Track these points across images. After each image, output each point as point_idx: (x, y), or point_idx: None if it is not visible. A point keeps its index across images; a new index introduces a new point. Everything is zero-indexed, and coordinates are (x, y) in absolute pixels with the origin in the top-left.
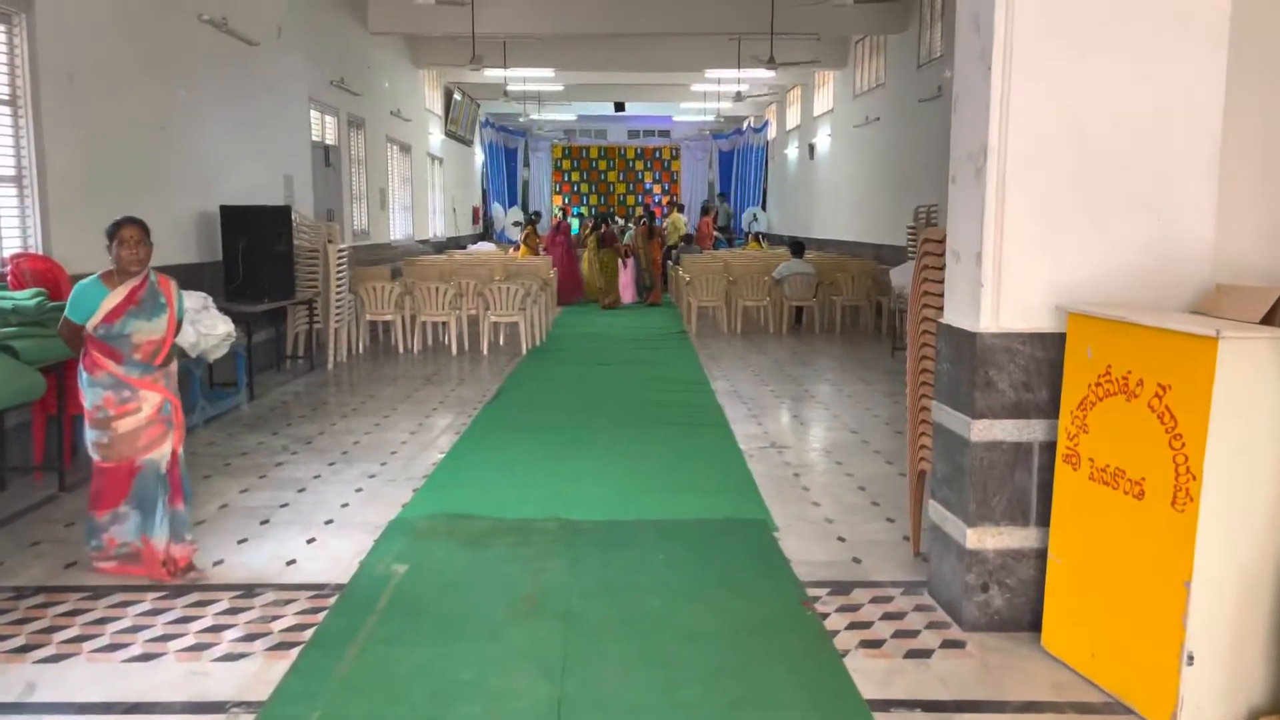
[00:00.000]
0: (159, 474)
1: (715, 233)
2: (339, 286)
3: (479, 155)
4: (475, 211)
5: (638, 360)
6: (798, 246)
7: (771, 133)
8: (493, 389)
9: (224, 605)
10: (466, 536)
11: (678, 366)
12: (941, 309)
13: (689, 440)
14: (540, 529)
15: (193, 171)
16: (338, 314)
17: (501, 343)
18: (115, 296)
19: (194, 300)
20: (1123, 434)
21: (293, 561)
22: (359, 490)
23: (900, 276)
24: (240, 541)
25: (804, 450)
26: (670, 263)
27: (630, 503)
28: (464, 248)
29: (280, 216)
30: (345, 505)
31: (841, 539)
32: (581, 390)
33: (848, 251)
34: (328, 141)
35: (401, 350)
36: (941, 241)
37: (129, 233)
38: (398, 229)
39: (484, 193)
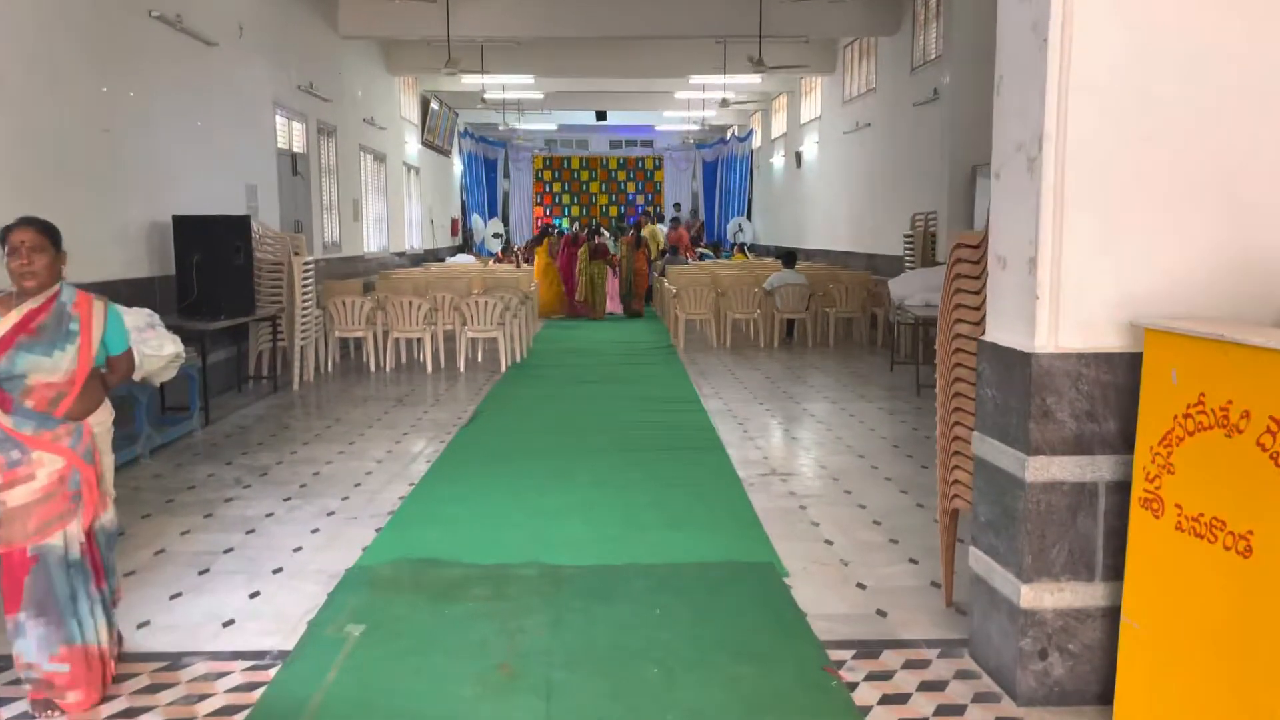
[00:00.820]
0: (66, 563)
1: (702, 247)
2: (305, 302)
3: (458, 166)
4: (454, 223)
5: (624, 377)
6: (789, 256)
7: (756, 141)
8: (469, 410)
9: (144, 682)
10: (433, 588)
11: (666, 384)
12: (978, 324)
13: (683, 468)
14: (517, 577)
15: (142, 178)
16: (304, 331)
17: (479, 359)
18: (2, 324)
19: (137, 318)
20: (1222, 477)
21: (230, 622)
22: (315, 531)
23: (901, 287)
24: (173, 597)
25: (808, 477)
26: (655, 274)
27: (620, 544)
28: (442, 260)
29: (239, 227)
30: (298, 549)
31: (862, 585)
32: (564, 411)
33: (839, 261)
34: (295, 149)
35: (373, 368)
36: (978, 246)
37: (20, 237)
38: (372, 241)
39: (463, 204)
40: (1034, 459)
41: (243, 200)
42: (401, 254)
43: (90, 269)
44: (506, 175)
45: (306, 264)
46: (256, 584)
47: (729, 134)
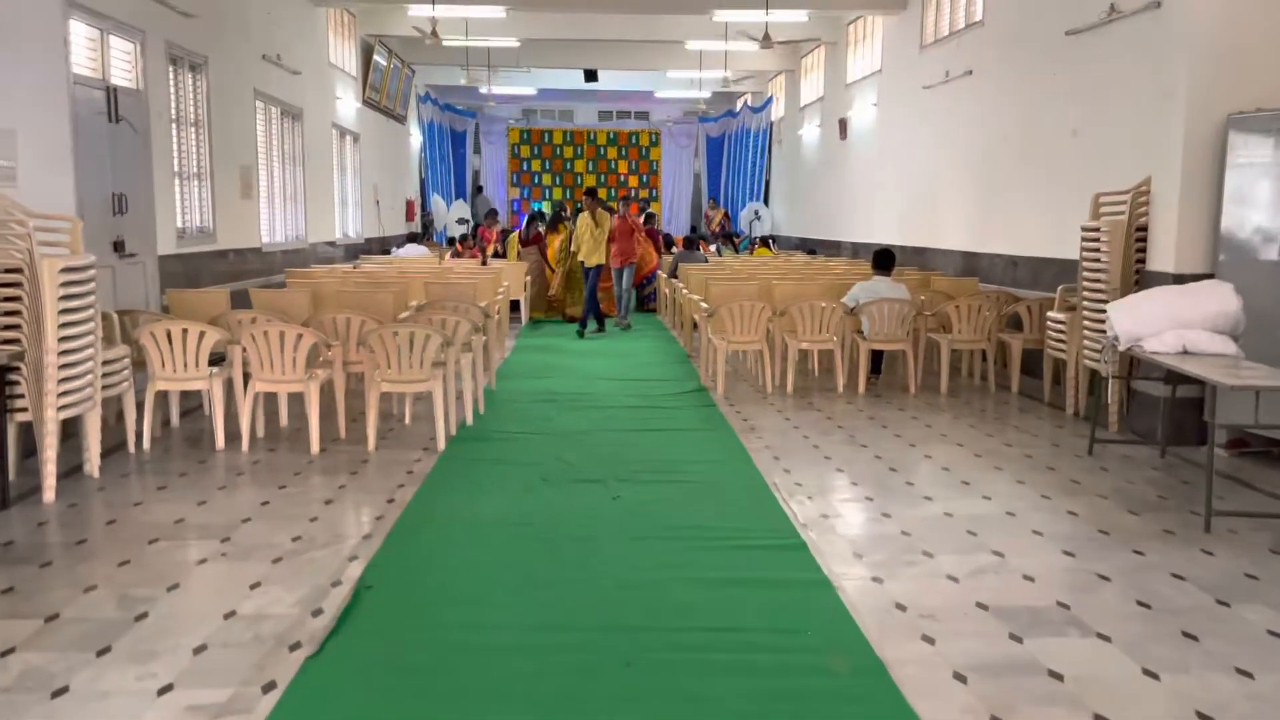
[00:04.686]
0: None
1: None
2: (73, 338)
3: (416, 137)
4: (409, 205)
5: (643, 469)
6: (883, 256)
7: (778, 110)
8: (338, 588)
9: None
10: None
11: (722, 487)
12: None
13: None
14: None
15: None
16: (70, 391)
17: (408, 419)
18: None
19: None
20: None
21: None
22: None
23: (1132, 319)
24: None
25: None
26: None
27: None
28: (388, 252)
29: None
30: None
31: None
32: (542, 583)
33: (905, 261)
34: (118, 82)
35: (221, 444)
36: None
37: None
38: (278, 227)
39: (422, 182)
40: None
41: None
42: (333, 244)
43: None
44: (478, 150)
45: (73, 270)
46: None
47: (740, 104)
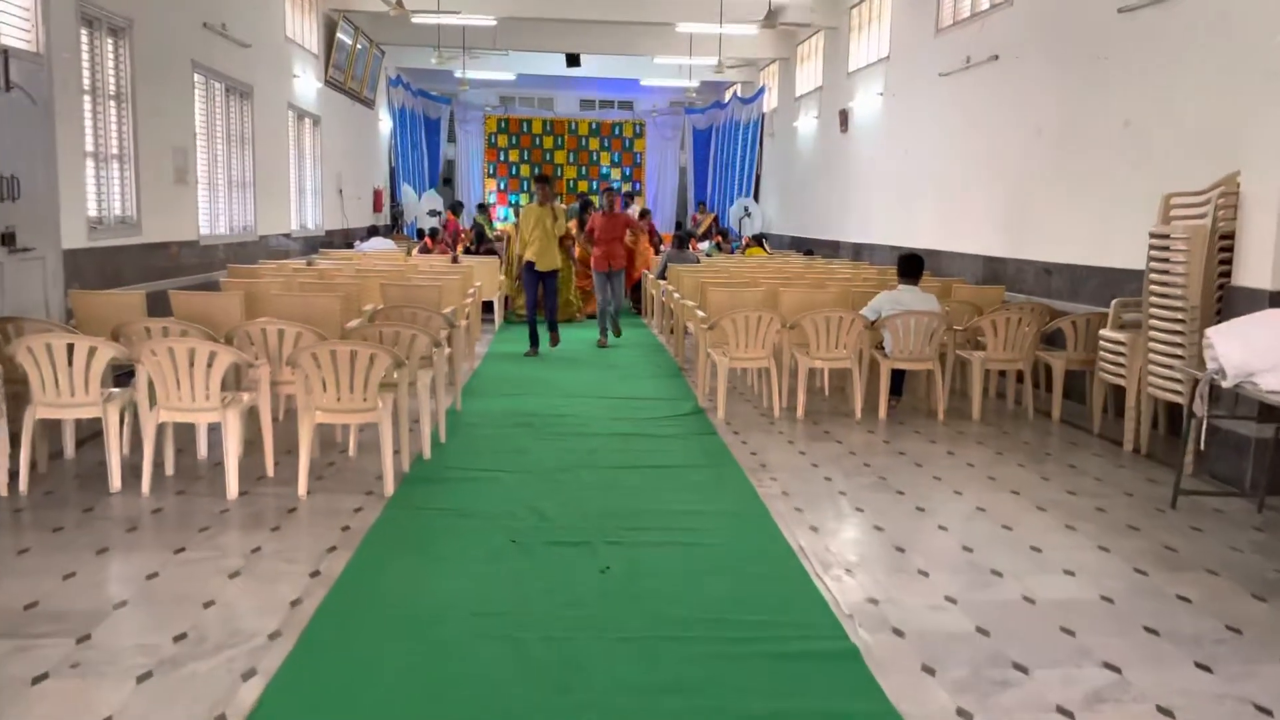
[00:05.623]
0: None
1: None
2: None
3: (386, 123)
4: (377, 195)
5: (638, 518)
6: (910, 262)
7: (770, 102)
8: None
9: None
10: None
11: (736, 546)
12: None
13: None
14: None
15: None
16: None
17: (352, 453)
18: None
19: None
20: None
21: None
22: None
23: (1242, 350)
24: None
25: None
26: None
27: None
28: (351, 245)
29: None
30: None
31: None
32: (506, 717)
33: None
34: (10, 43)
35: (117, 485)
36: None
37: None
38: (220, 218)
39: (392, 171)
40: None
41: None
42: (288, 236)
43: None
44: (452, 139)
45: None
46: None
47: (729, 95)
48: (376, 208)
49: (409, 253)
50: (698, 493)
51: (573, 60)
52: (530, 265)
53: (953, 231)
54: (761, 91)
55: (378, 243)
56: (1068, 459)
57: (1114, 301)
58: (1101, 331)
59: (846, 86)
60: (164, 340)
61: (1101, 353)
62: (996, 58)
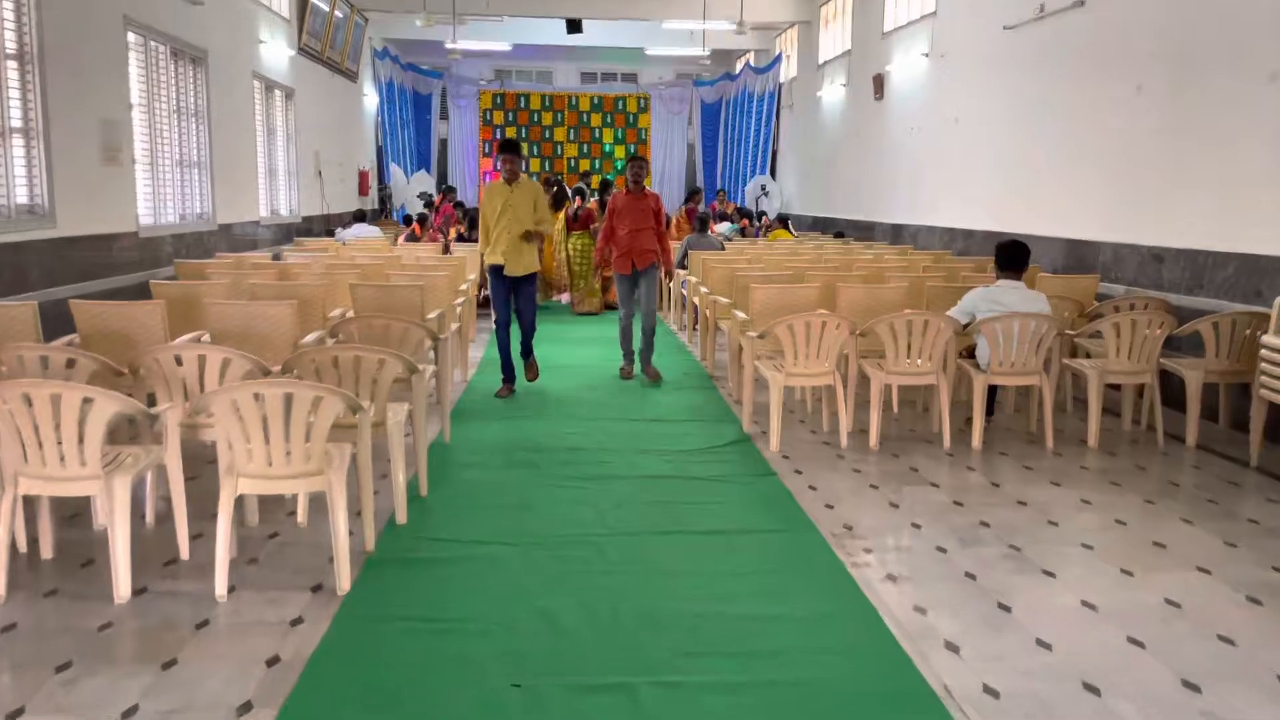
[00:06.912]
0: None
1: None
2: None
3: (371, 98)
4: (363, 177)
5: (692, 632)
6: (1013, 250)
7: (788, 71)
8: None
9: None
10: None
11: (843, 684)
12: None
13: None
14: None
15: None
16: None
17: (301, 519)
18: None
19: None
20: None
21: None
22: None
23: None
24: None
25: None
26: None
27: None
28: (332, 234)
29: None
30: None
31: None
32: None
33: (967, 250)
34: None
35: None
36: None
37: None
38: (168, 204)
39: (379, 151)
40: None
41: None
42: (257, 224)
43: None
44: (444, 116)
45: None
46: None
47: (740, 65)
48: (362, 191)
49: (395, 241)
50: (770, 578)
51: (574, 26)
52: (497, 269)
53: (1021, 210)
54: (778, 60)
55: (361, 229)
56: (1242, 509)
57: (1278, 300)
58: (1264, 338)
59: (881, 49)
60: (17, 384)
61: (1262, 364)
62: (1081, 2)
